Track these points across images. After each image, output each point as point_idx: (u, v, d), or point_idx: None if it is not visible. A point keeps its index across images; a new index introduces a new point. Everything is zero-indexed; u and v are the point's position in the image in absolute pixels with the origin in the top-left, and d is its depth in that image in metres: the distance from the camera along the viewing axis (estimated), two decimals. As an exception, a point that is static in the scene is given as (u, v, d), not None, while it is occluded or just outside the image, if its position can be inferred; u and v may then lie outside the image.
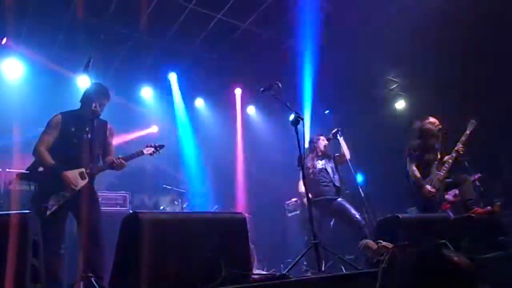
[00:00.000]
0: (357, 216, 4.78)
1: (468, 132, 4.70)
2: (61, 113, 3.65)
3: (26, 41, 5.82)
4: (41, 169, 3.49)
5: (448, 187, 4.73)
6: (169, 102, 7.84)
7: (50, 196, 3.34)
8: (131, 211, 5.38)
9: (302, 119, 3.81)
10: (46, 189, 3.38)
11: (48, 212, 3.27)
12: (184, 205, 6.85)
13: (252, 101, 8.48)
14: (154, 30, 6.00)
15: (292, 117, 3.84)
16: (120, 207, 5.86)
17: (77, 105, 3.80)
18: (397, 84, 8.43)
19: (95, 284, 2.83)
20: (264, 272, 5.79)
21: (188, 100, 8.04)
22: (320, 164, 5.18)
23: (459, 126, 4.82)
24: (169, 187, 6.94)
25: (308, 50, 6.87)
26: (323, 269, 3.30)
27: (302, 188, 4.99)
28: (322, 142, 5.32)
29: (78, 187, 3.43)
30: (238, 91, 8.15)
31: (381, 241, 2.67)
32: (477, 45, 6.52)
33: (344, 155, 5.06)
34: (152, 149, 4.02)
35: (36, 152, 3.47)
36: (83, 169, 3.44)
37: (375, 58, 7.17)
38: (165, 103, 7.83)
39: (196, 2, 5.53)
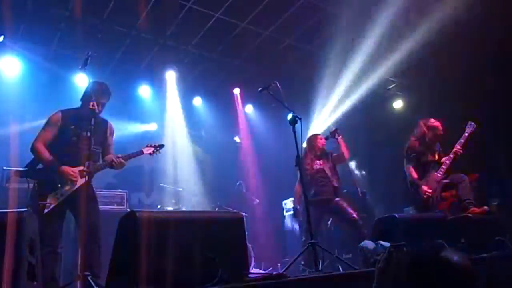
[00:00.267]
0: (355, 215, 4.79)
1: (466, 134, 4.72)
2: (61, 110, 3.64)
3: (24, 39, 5.80)
4: (39, 166, 3.49)
5: (445, 187, 4.74)
6: (169, 100, 7.83)
7: (49, 194, 3.33)
8: (128, 210, 5.39)
9: (300, 119, 3.81)
10: (44, 186, 3.37)
11: (46, 210, 3.27)
12: (181, 204, 6.83)
13: (251, 100, 8.47)
14: (152, 29, 5.99)
15: (290, 116, 3.84)
16: (118, 205, 5.84)
17: (75, 103, 3.80)
18: (394, 84, 8.44)
19: (92, 283, 2.83)
20: (262, 272, 5.80)
21: (186, 99, 8.03)
22: (318, 164, 5.18)
23: (456, 126, 4.83)
24: (167, 186, 6.94)
25: (307, 49, 6.89)
26: (320, 268, 3.30)
27: (297, 192, 5.04)
28: (320, 141, 5.31)
29: (78, 183, 3.42)
30: (236, 90, 8.14)
31: (381, 242, 2.67)
32: (475, 45, 6.52)
33: (342, 154, 5.07)
34: (152, 148, 4.01)
35: (33, 148, 3.46)
36: (82, 167, 3.43)
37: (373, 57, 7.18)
38: (163, 101, 7.81)
39: (194, 1, 5.52)
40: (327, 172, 5.11)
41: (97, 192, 3.73)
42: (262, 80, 4.45)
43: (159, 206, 6.91)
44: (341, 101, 7.89)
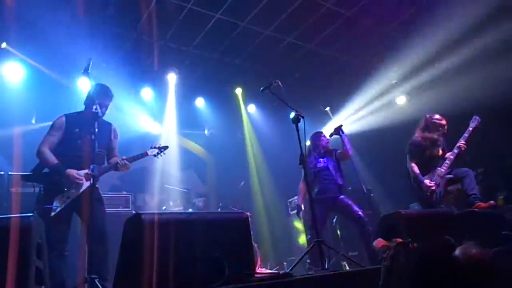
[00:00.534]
0: (360, 213, 4.77)
1: (470, 128, 4.69)
2: (65, 114, 3.68)
3: (26, 44, 5.82)
4: (45, 170, 3.51)
5: (450, 182, 4.72)
6: (170, 102, 7.84)
7: (55, 197, 3.35)
8: (134, 212, 5.40)
9: (303, 117, 3.80)
10: (50, 190, 3.39)
11: (52, 213, 3.28)
12: (186, 205, 6.85)
13: (253, 99, 8.47)
14: (153, 31, 5.99)
15: (292, 115, 3.84)
16: (123, 208, 5.87)
17: (78, 107, 3.83)
18: (398, 79, 8.40)
19: (99, 286, 2.84)
20: (268, 271, 5.79)
21: (188, 100, 8.04)
22: (322, 162, 5.17)
23: (461, 121, 4.80)
24: (171, 187, 6.95)
25: (308, 47, 6.88)
26: (326, 266, 3.30)
27: (301, 191, 5.03)
28: (324, 139, 5.31)
29: (82, 188, 3.43)
30: (238, 90, 8.14)
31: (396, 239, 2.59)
32: (479, 40, 6.49)
33: (346, 151, 5.05)
34: (156, 150, 4.03)
35: (39, 153, 3.49)
36: (87, 170, 3.45)
37: (376, 52, 7.17)
38: (166, 103, 7.83)
39: (194, 2, 5.53)
40: (331, 169, 5.10)
41: (103, 195, 3.74)
42: (263, 79, 4.45)
43: (164, 208, 6.93)
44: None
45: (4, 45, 5.70)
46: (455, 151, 4.65)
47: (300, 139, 3.74)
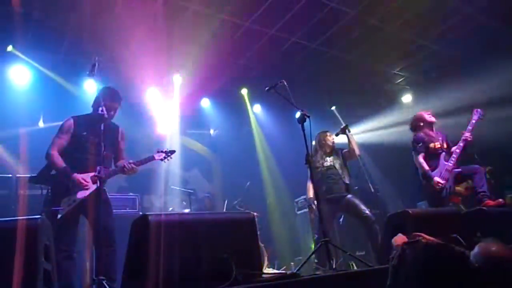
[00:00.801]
0: (367, 212, 4.75)
1: (473, 121, 4.67)
2: (73, 117, 3.69)
3: (32, 47, 5.86)
4: (53, 172, 3.53)
5: (459, 178, 4.69)
6: (175, 102, 7.86)
7: (62, 199, 3.36)
8: (141, 213, 5.42)
9: (309, 117, 3.79)
10: (58, 192, 3.41)
11: (60, 215, 3.30)
12: (193, 206, 6.86)
13: (258, 99, 8.46)
14: (158, 32, 6.00)
15: (298, 114, 3.83)
16: (130, 209, 5.89)
17: (84, 110, 3.86)
18: (403, 78, 8.38)
19: (107, 287, 2.85)
20: (275, 271, 5.78)
21: (194, 100, 8.06)
22: (328, 161, 5.16)
23: (467, 119, 4.77)
24: (178, 188, 6.97)
25: (313, 46, 6.86)
26: (334, 266, 3.28)
27: (310, 188, 5.00)
28: (330, 138, 5.29)
29: (90, 190, 3.45)
30: (244, 91, 8.14)
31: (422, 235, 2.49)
32: (482, 38, 6.46)
33: (353, 151, 5.03)
34: (163, 154, 4.03)
35: (48, 156, 3.51)
36: (94, 173, 3.46)
37: (380, 52, 7.14)
38: (171, 104, 7.84)
39: (198, 3, 5.52)
40: (337, 169, 5.09)
41: (110, 196, 3.75)
42: (268, 79, 4.44)
43: (171, 209, 6.95)
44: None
45: (10, 48, 5.74)
46: (461, 144, 4.63)
47: (306, 139, 3.73)
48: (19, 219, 2.12)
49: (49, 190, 3.47)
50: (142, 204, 6.38)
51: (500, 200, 4.29)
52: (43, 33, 5.63)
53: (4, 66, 6.01)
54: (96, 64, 3.46)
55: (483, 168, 4.76)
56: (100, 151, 3.30)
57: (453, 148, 4.72)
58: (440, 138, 4.85)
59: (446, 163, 4.63)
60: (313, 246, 5.67)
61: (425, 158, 4.77)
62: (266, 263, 5.81)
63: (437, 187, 4.53)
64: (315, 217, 4.77)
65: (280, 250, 7.32)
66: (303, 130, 3.76)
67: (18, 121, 6.08)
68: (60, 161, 3.47)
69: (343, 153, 5.24)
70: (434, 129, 4.95)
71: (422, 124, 4.93)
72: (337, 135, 5.22)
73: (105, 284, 2.86)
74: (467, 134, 4.63)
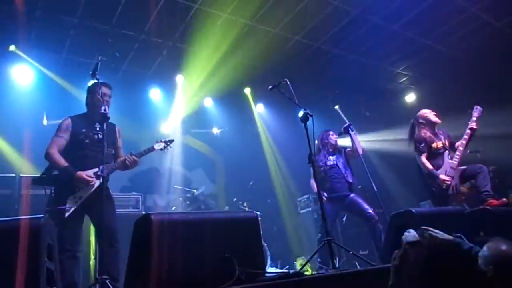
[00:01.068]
0: (370, 211, 4.74)
1: (474, 118, 4.64)
2: (70, 116, 3.69)
3: (35, 47, 5.87)
4: (55, 172, 3.53)
5: (464, 176, 4.67)
6: (178, 102, 7.87)
7: (67, 198, 3.36)
8: (144, 213, 5.42)
9: (311, 116, 3.78)
10: (62, 192, 3.40)
11: (67, 214, 3.29)
12: (196, 205, 6.86)
13: (261, 98, 8.46)
14: (161, 32, 6.02)
15: (301, 113, 3.82)
16: (133, 208, 5.89)
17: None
18: (407, 77, 8.36)
19: (110, 286, 2.85)
20: (278, 270, 5.78)
21: (197, 100, 8.06)
22: (331, 160, 5.15)
23: (469, 117, 4.75)
24: (181, 187, 6.97)
25: (316, 45, 6.84)
26: (337, 265, 3.27)
27: (314, 186, 4.97)
28: (333, 137, 5.28)
29: (94, 185, 3.45)
30: (247, 90, 8.13)
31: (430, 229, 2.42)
32: (488, 37, 6.43)
33: (356, 150, 5.01)
34: (163, 144, 4.02)
35: (47, 155, 3.50)
36: (96, 169, 3.46)
37: (384, 51, 7.12)
38: (174, 103, 7.86)
39: (202, 2, 5.53)
40: (340, 167, 5.08)
41: (113, 195, 3.75)
42: (272, 78, 4.43)
43: (173, 208, 6.95)
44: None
45: (12, 47, 5.76)
46: (464, 141, 4.60)
47: (309, 138, 3.72)
48: (22, 218, 2.12)
49: (52, 190, 3.47)
50: (145, 204, 6.39)
51: (504, 199, 4.26)
52: (46, 33, 5.64)
53: (6, 66, 6.02)
54: (99, 64, 3.46)
55: (487, 167, 4.73)
56: (102, 148, 3.31)
57: (458, 143, 4.69)
58: (442, 137, 4.83)
59: (450, 161, 4.61)
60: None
61: (428, 158, 4.75)
62: (269, 262, 5.81)
63: (444, 185, 4.51)
64: (318, 216, 4.76)
65: (283, 249, 7.32)
66: (306, 129, 3.75)
67: (21, 121, 6.10)
68: (61, 160, 3.46)
69: (346, 152, 5.23)
70: (436, 128, 4.91)
71: (424, 122, 4.90)
72: (340, 134, 5.21)
73: (108, 283, 2.87)
74: (473, 123, 4.60)
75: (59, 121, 3.69)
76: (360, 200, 4.87)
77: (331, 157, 5.18)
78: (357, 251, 5.56)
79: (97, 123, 3.64)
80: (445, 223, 3.32)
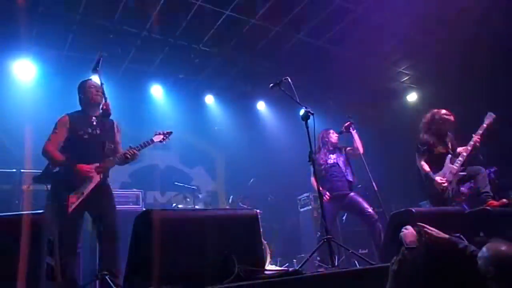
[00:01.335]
0: (370, 210, 4.75)
1: (485, 125, 4.58)
2: (66, 114, 3.66)
3: (37, 43, 5.87)
4: (56, 169, 3.52)
5: (463, 180, 4.66)
6: (179, 99, 7.87)
7: (69, 194, 3.33)
8: (144, 209, 5.43)
9: (312, 114, 3.79)
10: (63, 187, 3.39)
11: (70, 210, 3.28)
12: (196, 202, 6.87)
13: (262, 96, 8.45)
14: (163, 29, 6.02)
15: (302, 112, 3.82)
16: (133, 205, 5.90)
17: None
18: (408, 77, 8.35)
19: (110, 283, 2.86)
20: (277, 268, 5.79)
21: (198, 97, 8.07)
22: (332, 158, 5.15)
23: (473, 118, 4.73)
24: (181, 184, 6.98)
25: (318, 44, 6.83)
26: (336, 264, 3.28)
27: (314, 184, 4.97)
28: (333, 136, 5.28)
29: (95, 179, 3.44)
30: (248, 87, 8.12)
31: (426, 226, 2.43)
32: (491, 37, 6.41)
33: (357, 149, 5.01)
34: (162, 136, 4.02)
35: (44, 151, 3.47)
36: (96, 164, 3.46)
37: (386, 50, 7.11)
38: (176, 100, 7.86)
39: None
40: (341, 166, 5.09)
41: (113, 192, 3.75)
42: (273, 76, 4.43)
43: (174, 205, 6.96)
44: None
45: (12, 43, 5.75)
46: (469, 148, 4.56)
47: (309, 136, 3.73)
48: (23, 213, 2.13)
49: (54, 186, 3.46)
50: (145, 200, 6.40)
51: (504, 200, 4.26)
52: (48, 29, 5.64)
53: (8, 62, 6.02)
54: (101, 60, 3.46)
55: (487, 168, 4.73)
56: (102, 143, 3.31)
57: (460, 149, 4.66)
58: (448, 140, 4.76)
59: (451, 165, 4.58)
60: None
61: (429, 161, 4.70)
62: (268, 260, 5.82)
63: (440, 188, 4.50)
64: (318, 214, 4.77)
65: (282, 247, 7.33)
66: (307, 127, 3.76)
67: (22, 116, 6.10)
68: (57, 155, 3.43)
69: (347, 151, 5.23)
70: (449, 129, 4.80)
71: (434, 127, 4.79)
72: (341, 133, 5.21)
73: (108, 279, 2.88)
74: (476, 138, 4.56)
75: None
76: (360, 199, 4.87)
77: (331, 156, 5.18)
78: (357, 250, 5.55)
79: (93, 119, 3.64)
80: (445, 223, 3.32)
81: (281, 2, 5.72)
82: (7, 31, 5.52)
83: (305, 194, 7.22)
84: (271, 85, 4.12)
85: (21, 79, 6.18)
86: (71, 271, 3.25)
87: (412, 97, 8.64)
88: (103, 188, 3.45)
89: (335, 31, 6.50)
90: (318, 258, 4.61)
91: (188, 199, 6.87)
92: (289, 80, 4.01)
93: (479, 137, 4.55)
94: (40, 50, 6.04)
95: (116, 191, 5.70)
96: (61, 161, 3.42)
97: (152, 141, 3.92)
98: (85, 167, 3.41)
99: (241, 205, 6.98)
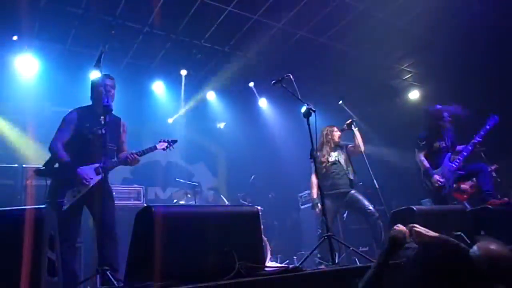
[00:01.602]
0: (371, 208, 4.74)
1: (488, 127, 4.57)
2: (75, 109, 3.71)
3: (39, 38, 5.87)
4: (56, 165, 3.55)
5: (463, 178, 4.66)
6: (181, 95, 7.87)
7: (66, 191, 3.39)
8: (145, 205, 5.44)
9: (314, 111, 3.78)
10: (62, 184, 3.43)
11: (64, 207, 3.32)
12: (197, 199, 6.88)
13: (264, 93, 8.44)
14: (165, 24, 6.00)
15: (303, 109, 3.82)
16: (134, 200, 5.92)
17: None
18: (411, 74, 8.32)
19: (111, 277, 2.87)
20: (278, 265, 5.80)
21: (200, 93, 8.06)
22: (333, 156, 5.14)
23: (475, 117, 4.72)
24: (182, 181, 6.99)
25: (320, 41, 6.81)
26: (336, 261, 3.29)
27: (314, 185, 4.98)
28: (336, 133, 5.27)
29: (92, 183, 3.47)
30: (250, 84, 8.11)
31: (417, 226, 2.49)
32: (493, 35, 6.38)
33: (358, 146, 5.01)
34: (166, 144, 4.04)
35: (51, 148, 3.54)
36: (97, 164, 3.48)
37: (389, 47, 7.08)
38: (177, 96, 7.86)
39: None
40: (342, 164, 5.08)
41: (114, 188, 3.78)
42: (275, 73, 4.42)
43: (175, 201, 6.98)
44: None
45: (15, 38, 5.75)
46: (470, 147, 4.56)
47: (311, 133, 3.72)
48: (25, 208, 2.13)
49: (53, 182, 3.49)
50: (147, 196, 6.42)
51: (506, 198, 4.26)
52: (50, 23, 5.63)
53: (10, 56, 6.03)
54: (102, 55, 3.46)
55: (489, 166, 4.72)
56: (104, 143, 3.32)
57: (460, 148, 4.66)
58: (446, 137, 4.78)
59: (450, 163, 4.59)
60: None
61: (428, 156, 4.72)
62: (269, 256, 5.83)
63: (436, 185, 4.52)
64: (319, 211, 4.77)
65: (283, 244, 7.34)
66: (309, 124, 3.75)
67: (25, 111, 6.12)
68: (63, 154, 3.49)
69: (348, 148, 5.23)
70: (446, 124, 4.84)
71: (434, 123, 4.83)
72: (342, 130, 5.20)
73: (108, 274, 2.89)
74: (478, 139, 4.55)
75: (63, 109, 3.71)
76: (360, 197, 4.87)
77: (333, 153, 5.17)
78: (358, 247, 5.57)
79: (101, 117, 3.65)
80: (446, 222, 3.32)
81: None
82: (10, 26, 5.52)
83: (306, 191, 7.23)
84: (273, 82, 4.11)
85: (23, 73, 6.17)
86: (71, 266, 3.27)
87: (414, 95, 8.62)
88: (103, 187, 3.47)
89: (337, 28, 6.48)
90: (319, 255, 4.61)
91: (189, 195, 6.89)
92: (291, 77, 4.00)
93: (480, 139, 4.54)
94: (42, 45, 6.04)
95: (117, 187, 5.74)
96: (64, 161, 3.48)
97: (156, 148, 3.96)
98: (84, 175, 3.44)
99: (242, 201, 6.98)
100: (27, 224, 2.00)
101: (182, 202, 6.79)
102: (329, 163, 5.09)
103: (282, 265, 5.80)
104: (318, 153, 5.02)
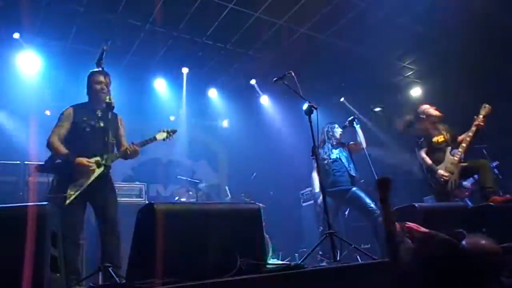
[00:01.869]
0: (372, 205, 4.74)
1: (481, 116, 4.58)
2: (72, 106, 3.70)
3: (40, 35, 5.87)
4: (58, 161, 3.55)
5: (465, 172, 4.65)
6: (183, 93, 7.87)
7: (68, 186, 3.38)
8: (147, 202, 5.45)
9: (316, 108, 3.78)
10: (64, 179, 3.42)
11: (67, 202, 3.31)
12: (199, 196, 6.89)
13: (266, 90, 8.44)
14: (166, 22, 5.99)
15: (305, 106, 3.81)
16: (136, 198, 5.93)
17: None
18: (412, 71, 8.30)
19: (113, 274, 2.88)
20: (279, 262, 5.81)
21: (201, 91, 8.06)
22: (334, 153, 5.14)
23: (476, 114, 4.71)
24: (184, 178, 7.00)
25: (322, 38, 6.80)
26: (338, 258, 3.29)
27: (316, 181, 4.98)
28: (337, 130, 5.27)
29: (95, 173, 3.45)
30: (252, 81, 8.11)
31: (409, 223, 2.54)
32: (495, 32, 6.36)
33: (360, 143, 5.01)
34: (165, 134, 4.00)
35: (48, 144, 3.53)
36: (98, 158, 3.47)
37: (390, 44, 7.06)
38: (179, 94, 7.86)
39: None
40: (344, 161, 5.07)
41: (116, 185, 3.77)
42: (277, 70, 4.41)
43: (176, 198, 6.98)
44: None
45: (16, 35, 5.75)
46: (472, 130, 4.56)
47: (312, 131, 3.72)
48: (27, 205, 2.14)
49: (54, 178, 3.50)
50: (149, 193, 6.43)
51: (508, 195, 4.24)
52: (52, 21, 5.63)
53: (12, 54, 6.03)
54: (104, 52, 3.45)
55: (491, 163, 4.71)
56: (104, 136, 3.31)
57: (461, 137, 4.66)
58: (444, 132, 4.79)
59: (452, 156, 4.59)
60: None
61: (429, 153, 4.73)
62: (270, 254, 5.84)
63: (442, 180, 4.51)
64: (320, 209, 4.77)
65: (284, 242, 7.35)
66: (310, 122, 3.75)
67: (26, 108, 6.12)
68: (61, 148, 3.48)
69: (349, 146, 5.23)
70: (437, 123, 4.87)
71: (424, 117, 4.87)
72: (344, 127, 5.20)
73: (110, 270, 2.90)
74: (479, 121, 4.54)
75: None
76: (362, 194, 4.86)
77: (334, 151, 5.17)
78: (359, 245, 5.56)
79: (98, 111, 3.65)
80: (447, 219, 3.32)
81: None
82: (11, 23, 5.52)
83: (308, 189, 7.23)
84: (275, 79, 4.10)
85: (25, 71, 6.18)
86: (74, 262, 3.28)
87: (416, 92, 8.60)
88: (105, 181, 3.47)
89: (339, 25, 6.46)
90: (320, 253, 4.62)
91: (190, 192, 6.90)
92: (293, 74, 3.99)
93: (477, 125, 4.53)
94: (44, 42, 6.04)
95: (119, 184, 5.74)
96: (63, 154, 3.46)
97: (155, 138, 3.90)
98: (85, 160, 3.42)
99: (244, 199, 6.99)
100: (30, 221, 2.01)
101: (183, 199, 6.79)
102: (331, 160, 5.09)
103: (284, 262, 5.81)
104: (320, 151, 5.01)
